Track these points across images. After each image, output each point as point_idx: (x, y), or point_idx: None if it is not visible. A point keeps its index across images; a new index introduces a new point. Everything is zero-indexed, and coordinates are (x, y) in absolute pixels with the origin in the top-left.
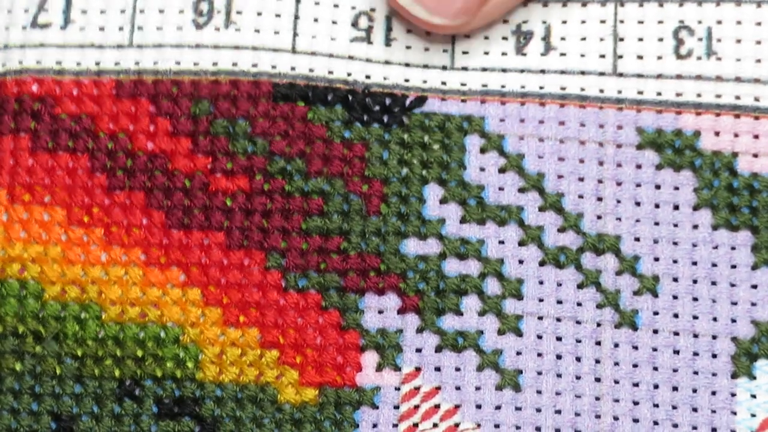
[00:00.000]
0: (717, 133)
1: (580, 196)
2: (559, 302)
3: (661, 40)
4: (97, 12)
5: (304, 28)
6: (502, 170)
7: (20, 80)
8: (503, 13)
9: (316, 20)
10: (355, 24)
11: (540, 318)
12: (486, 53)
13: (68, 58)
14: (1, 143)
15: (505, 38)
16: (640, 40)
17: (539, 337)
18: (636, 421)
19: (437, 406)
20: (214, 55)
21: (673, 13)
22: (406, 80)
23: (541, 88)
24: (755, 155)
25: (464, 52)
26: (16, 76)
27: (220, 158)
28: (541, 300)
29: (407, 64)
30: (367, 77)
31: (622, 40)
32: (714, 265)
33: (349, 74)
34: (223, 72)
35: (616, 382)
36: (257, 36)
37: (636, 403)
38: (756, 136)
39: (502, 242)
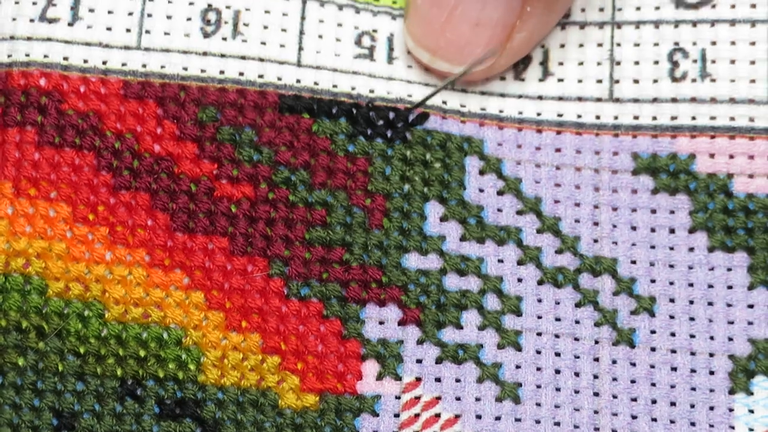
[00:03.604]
0: (712, 155)
1: (577, 221)
2: (558, 319)
3: (656, 62)
4: (105, 11)
5: (309, 44)
6: (500, 192)
7: (27, 72)
8: (531, 47)
9: (320, 36)
10: (358, 42)
11: (539, 334)
12: (485, 77)
13: (75, 54)
14: (6, 135)
15: None
16: (637, 63)
17: (538, 352)
18: None
19: (438, 416)
20: (221, 63)
21: (669, 34)
22: (409, 95)
23: (538, 114)
24: (750, 176)
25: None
26: (23, 68)
27: (225, 165)
28: (539, 317)
29: (409, 82)
30: (371, 91)
31: (618, 63)
32: (710, 286)
33: (353, 88)
34: (230, 80)
35: (615, 396)
36: (263, 48)
37: (634, 417)
38: (751, 157)
39: (501, 261)
